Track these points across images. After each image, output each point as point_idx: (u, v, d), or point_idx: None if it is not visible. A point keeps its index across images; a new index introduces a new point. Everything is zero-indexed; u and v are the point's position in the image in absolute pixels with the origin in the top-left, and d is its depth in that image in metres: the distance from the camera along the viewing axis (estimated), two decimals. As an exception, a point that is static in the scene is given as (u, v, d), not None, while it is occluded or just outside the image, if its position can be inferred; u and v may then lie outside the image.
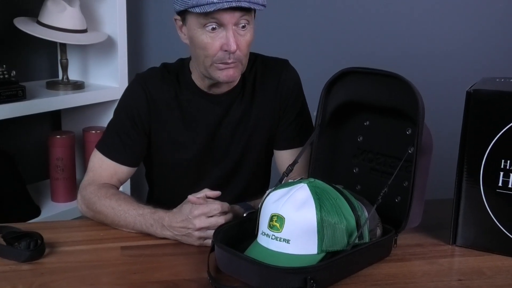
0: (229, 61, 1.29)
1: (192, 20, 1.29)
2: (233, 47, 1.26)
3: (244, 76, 1.43)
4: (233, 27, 1.27)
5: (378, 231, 1.16)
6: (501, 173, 1.18)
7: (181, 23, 1.34)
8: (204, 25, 1.27)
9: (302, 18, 2.43)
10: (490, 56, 2.55)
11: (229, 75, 1.31)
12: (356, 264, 1.11)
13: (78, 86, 2.02)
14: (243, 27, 1.28)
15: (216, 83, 1.38)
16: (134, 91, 1.42)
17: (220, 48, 1.28)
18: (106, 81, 2.10)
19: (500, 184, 1.19)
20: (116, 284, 1.08)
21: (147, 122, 1.41)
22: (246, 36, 1.29)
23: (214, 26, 1.26)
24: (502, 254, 1.21)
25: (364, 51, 2.44)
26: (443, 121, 2.07)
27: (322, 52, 2.45)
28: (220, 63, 1.30)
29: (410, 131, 1.24)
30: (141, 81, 1.42)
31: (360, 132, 1.33)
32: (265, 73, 1.45)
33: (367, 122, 1.32)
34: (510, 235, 1.20)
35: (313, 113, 1.36)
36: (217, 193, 1.24)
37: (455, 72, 2.50)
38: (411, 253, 1.21)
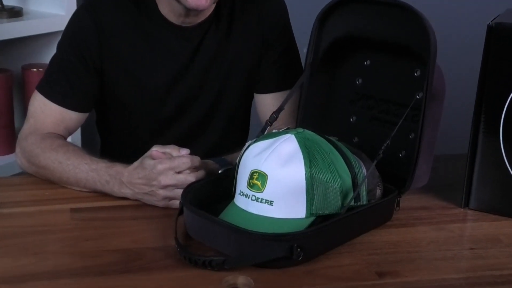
0: None
1: None
2: None
3: (219, 4, 1.42)
4: None
5: (378, 192, 1.17)
6: (525, 124, 1.20)
7: None
8: None
9: None
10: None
11: (198, 2, 1.30)
12: (352, 230, 1.12)
13: (15, 13, 1.99)
14: None
15: (186, 13, 1.37)
16: (80, 19, 1.40)
17: None
18: (49, 8, 2.06)
19: (523, 136, 1.21)
20: (65, 252, 1.09)
21: (98, 57, 1.40)
22: None
23: None
24: (522, 219, 1.24)
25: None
26: (458, 61, 2.08)
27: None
28: None
29: (418, 72, 1.24)
30: (89, 7, 1.40)
31: (359, 73, 1.33)
32: (245, 1, 1.44)
33: (368, 62, 1.32)
34: (532, 197, 1.23)
35: (303, 50, 1.36)
36: (186, 150, 1.24)
37: (474, 1, 2.50)
38: (416, 218, 1.23)
